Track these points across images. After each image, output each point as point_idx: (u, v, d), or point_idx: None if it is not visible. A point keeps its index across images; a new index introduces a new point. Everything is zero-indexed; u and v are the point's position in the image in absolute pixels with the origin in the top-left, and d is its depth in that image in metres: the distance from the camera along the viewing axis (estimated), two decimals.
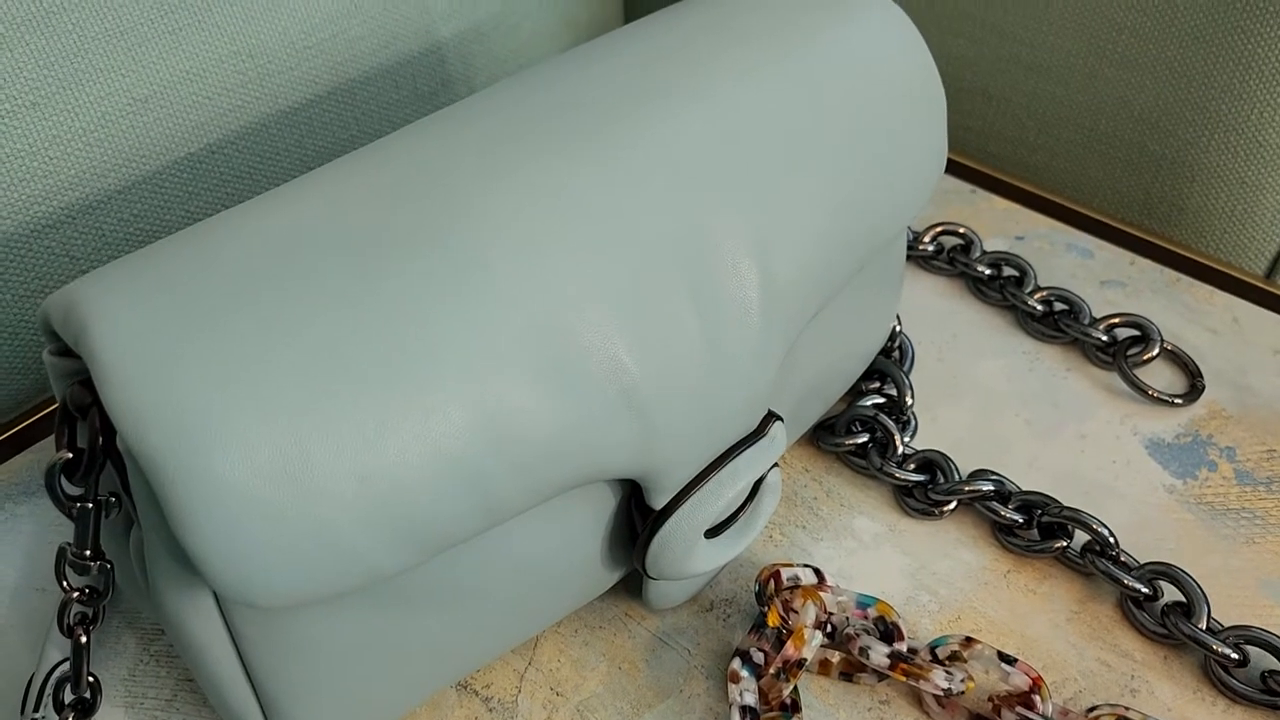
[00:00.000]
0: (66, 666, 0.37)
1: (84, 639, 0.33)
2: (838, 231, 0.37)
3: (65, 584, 0.33)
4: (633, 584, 0.41)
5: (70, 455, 0.30)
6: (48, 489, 0.30)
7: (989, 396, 0.49)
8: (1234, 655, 0.38)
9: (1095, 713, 0.37)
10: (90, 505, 0.31)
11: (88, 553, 0.31)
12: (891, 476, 0.45)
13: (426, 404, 0.29)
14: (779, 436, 0.37)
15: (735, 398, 0.35)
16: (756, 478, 0.37)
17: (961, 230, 0.55)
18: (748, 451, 0.36)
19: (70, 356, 0.31)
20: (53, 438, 0.47)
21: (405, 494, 0.29)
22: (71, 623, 0.33)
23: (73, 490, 0.31)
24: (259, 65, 0.48)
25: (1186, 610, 0.40)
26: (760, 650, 0.39)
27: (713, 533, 0.38)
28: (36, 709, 0.37)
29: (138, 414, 0.27)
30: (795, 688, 0.38)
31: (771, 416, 0.37)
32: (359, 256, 0.30)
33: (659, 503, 0.35)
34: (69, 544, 0.32)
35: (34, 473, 0.46)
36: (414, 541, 0.29)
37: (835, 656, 0.40)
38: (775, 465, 0.38)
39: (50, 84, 0.43)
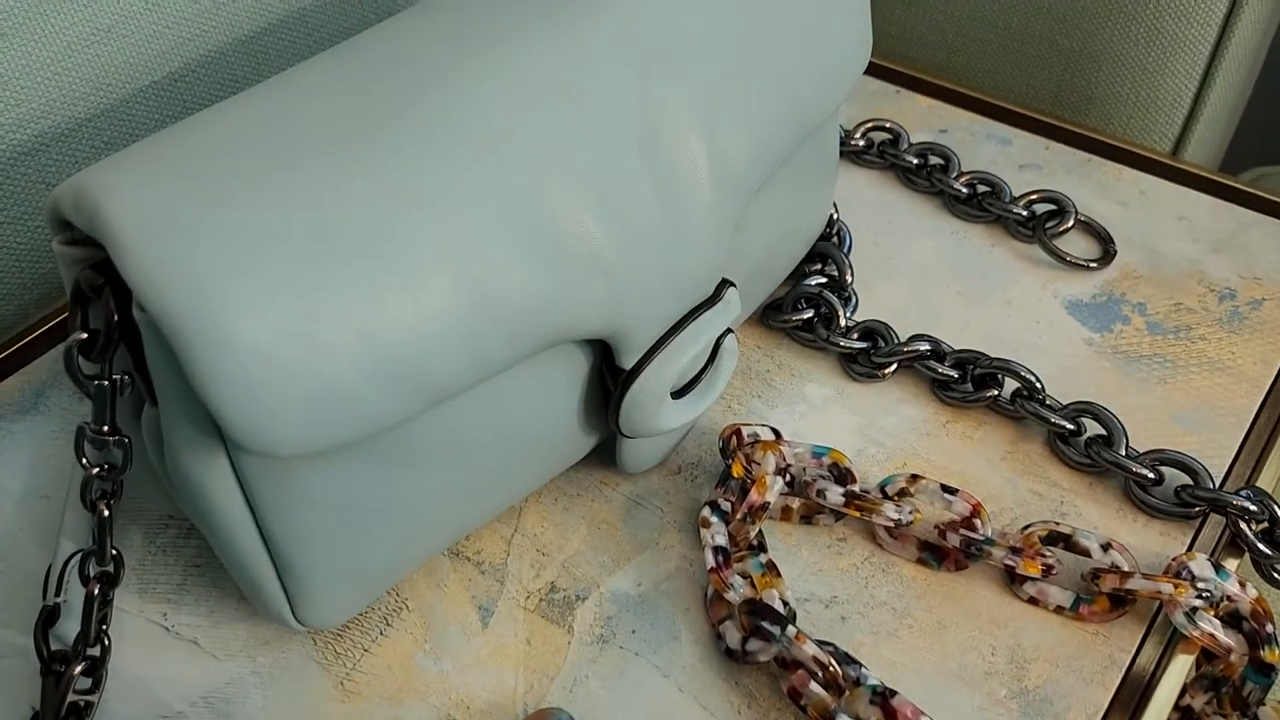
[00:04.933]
0: (78, 559, 0.39)
1: (105, 513, 0.36)
2: (773, 111, 0.40)
3: (84, 461, 0.35)
4: (606, 455, 0.44)
5: (85, 335, 0.33)
6: (66, 368, 0.33)
7: (922, 273, 0.53)
8: (1151, 475, 0.43)
9: (1030, 529, 0.41)
10: (106, 383, 0.33)
11: (105, 428, 0.34)
12: (837, 345, 0.48)
13: (418, 267, 0.32)
14: (733, 300, 0.41)
15: (692, 262, 0.38)
16: (715, 337, 0.40)
17: (889, 125, 0.58)
18: (706, 314, 0.40)
19: (78, 245, 0.33)
20: (33, 363, 0.49)
21: (401, 347, 0.32)
22: (94, 498, 0.36)
23: (88, 370, 0.33)
24: None
25: (1108, 441, 0.44)
26: (727, 500, 0.42)
27: (679, 394, 0.41)
28: (58, 593, 0.39)
29: (157, 280, 0.29)
30: (760, 531, 0.42)
31: (726, 283, 0.40)
32: (347, 137, 0.32)
33: (628, 362, 0.39)
34: (87, 423, 0.34)
35: (24, 393, 0.48)
36: (410, 391, 0.32)
37: (795, 503, 0.43)
38: (731, 331, 0.42)
39: (17, 14, 0.45)
